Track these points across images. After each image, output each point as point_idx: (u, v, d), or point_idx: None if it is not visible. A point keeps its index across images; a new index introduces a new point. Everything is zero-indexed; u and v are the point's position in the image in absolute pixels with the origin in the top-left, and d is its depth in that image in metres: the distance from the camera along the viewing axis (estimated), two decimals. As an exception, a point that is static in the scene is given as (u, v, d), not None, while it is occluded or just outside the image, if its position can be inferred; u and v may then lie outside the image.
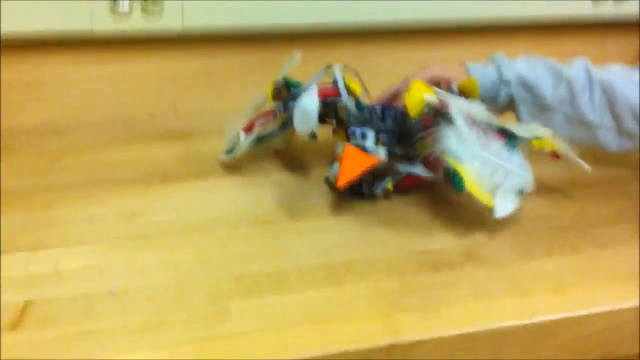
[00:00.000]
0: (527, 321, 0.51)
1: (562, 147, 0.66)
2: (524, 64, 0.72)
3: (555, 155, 0.67)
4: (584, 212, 0.66)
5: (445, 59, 0.93)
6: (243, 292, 0.52)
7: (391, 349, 0.48)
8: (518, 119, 0.72)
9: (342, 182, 0.60)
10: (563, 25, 0.98)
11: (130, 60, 0.82)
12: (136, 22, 0.78)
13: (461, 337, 0.50)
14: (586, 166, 0.67)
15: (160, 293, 0.52)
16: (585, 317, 0.52)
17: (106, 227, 0.60)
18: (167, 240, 0.59)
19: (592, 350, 0.54)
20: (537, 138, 0.65)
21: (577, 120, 0.70)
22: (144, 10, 0.78)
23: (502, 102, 0.72)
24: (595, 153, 0.68)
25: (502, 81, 0.71)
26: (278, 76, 0.73)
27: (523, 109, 0.71)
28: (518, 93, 0.71)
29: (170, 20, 0.80)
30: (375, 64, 0.92)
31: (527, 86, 0.71)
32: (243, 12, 0.82)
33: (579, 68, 0.70)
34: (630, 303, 0.53)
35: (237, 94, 0.86)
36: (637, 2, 0.97)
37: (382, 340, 0.48)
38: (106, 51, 0.81)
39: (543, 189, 0.66)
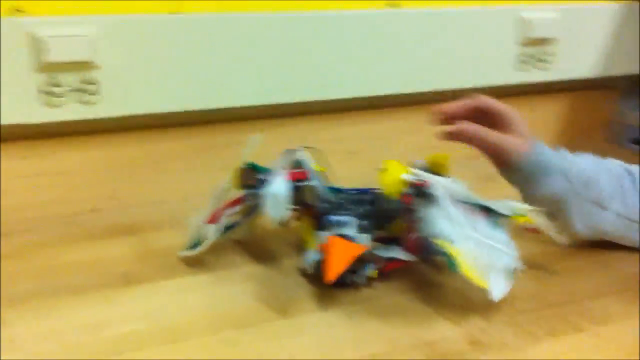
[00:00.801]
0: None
1: (540, 221, 0.65)
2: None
3: (534, 230, 0.66)
4: (572, 286, 0.65)
5: (384, 133, 0.93)
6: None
7: None
8: (565, 215, 0.69)
9: (332, 276, 0.56)
10: (492, 94, 1.00)
11: (67, 151, 0.75)
12: (72, 112, 0.72)
13: None
14: (563, 239, 0.66)
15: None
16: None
17: (70, 343, 0.53)
18: (145, 354, 0.52)
19: None
20: (518, 214, 0.64)
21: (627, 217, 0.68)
22: (80, 101, 0.72)
23: (544, 192, 0.68)
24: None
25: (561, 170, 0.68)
26: (224, 160, 0.69)
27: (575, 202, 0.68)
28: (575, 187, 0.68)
29: (107, 108, 0.74)
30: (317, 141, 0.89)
31: (586, 182, 0.68)
32: (184, 97, 0.78)
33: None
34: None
35: (183, 180, 0.81)
36: (563, 67, 1.01)
37: None
38: (41, 144, 0.74)
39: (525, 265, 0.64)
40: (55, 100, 0.71)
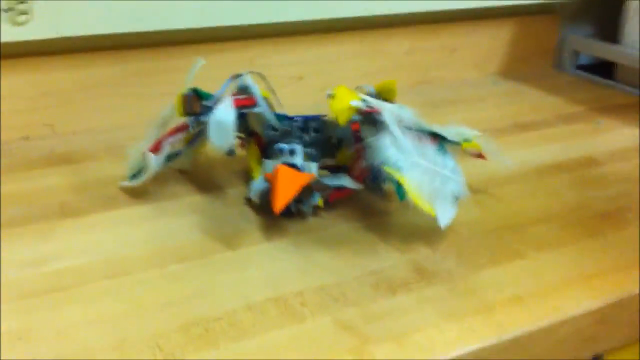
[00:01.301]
0: (499, 339, 0.49)
1: (487, 146, 0.65)
2: None
3: (480, 155, 0.66)
4: (512, 211, 0.65)
5: (331, 57, 0.91)
6: (195, 343, 0.45)
7: (376, 389, 0.44)
8: None
9: (280, 205, 0.55)
10: (436, 19, 0.99)
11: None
12: (2, 34, 0.67)
13: (444, 365, 0.46)
14: (510, 162, 0.67)
15: (100, 359, 0.44)
16: (550, 328, 0.51)
17: (12, 281, 0.51)
18: (89, 289, 0.50)
19: (557, 357, 0.53)
20: (467, 140, 0.63)
21: None
22: (11, 20, 0.67)
23: None
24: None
25: None
26: (165, 86, 0.66)
27: None
28: None
29: (40, 30, 0.69)
30: (263, 67, 0.86)
31: None
32: (123, 18, 0.74)
33: None
34: (587, 308, 0.52)
35: (122, 107, 0.77)
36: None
37: (366, 382, 0.44)
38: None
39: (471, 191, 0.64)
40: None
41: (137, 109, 0.78)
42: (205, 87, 0.64)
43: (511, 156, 0.70)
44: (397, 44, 0.96)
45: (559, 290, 0.54)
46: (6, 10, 0.67)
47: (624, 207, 0.67)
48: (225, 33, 0.83)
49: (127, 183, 0.64)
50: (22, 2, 0.68)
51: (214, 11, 0.80)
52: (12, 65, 0.71)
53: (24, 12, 0.68)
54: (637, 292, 0.55)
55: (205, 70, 0.64)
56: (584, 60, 1.15)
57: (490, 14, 1.03)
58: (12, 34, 0.69)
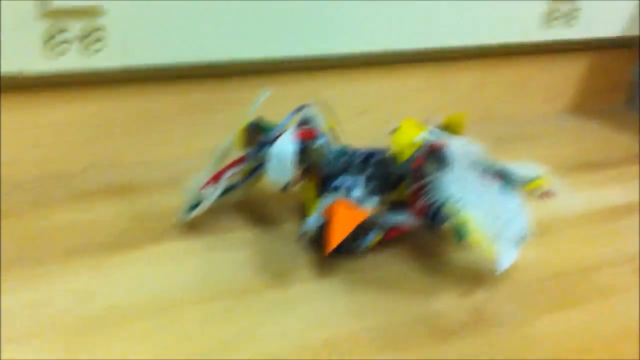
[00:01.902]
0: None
1: (555, 185, 0.62)
2: None
3: (546, 195, 0.63)
4: (577, 255, 0.62)
5: (397, 90, 0.90)
6: (241, 384, 0.45)
7: None
8: None
9: (335, 243, 0.53)
10: (512, 52, 0.96)
11: (60, 104, 0.72)
12: (71, 61, 0.69)
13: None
14: (578, 202, 0.64)
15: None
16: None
17: (58, 313, 0.50)
18: (136, 326, 0.50)
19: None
20: (533, 179, 0.60)
21: None
22: (86, 49, 0.68)
23: None
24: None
25: None
26: (227, 118, 0.66)
27: None
28: None
29: (110, 58, 0.71)
30: (326, 98, 0.86)
31: None
32: (184, 49, 0.75)
33: None
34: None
35: (182, 138, 0.78)
36: (588, 24, 0.97)
37: None
38: (35, 95, 0.70)
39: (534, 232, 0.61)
40: (58, 48, 0.68)
41: (198, 141, 0.78)
42: (269, 120, 0.63)
43: (578, 196, 0.68)
44: (465, 78, 0.94)
45: (628, 339, 0.51)
46: (81, 38, 0.68)
47: (699, 254, 0.63)
48: (289, 64, 0.83)
49: (183, 216, 0.63)
50: (97, 30, 0.69)
51: (279, 42, 0.80)
52: (78, 94, 0.73)
53: (98, 40, 0.69)
54: None
55: (268, 104, 0.63)
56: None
57: (562, 49, 1.00)
58: (82, 62, 0.70)
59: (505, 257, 0.56)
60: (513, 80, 0.98)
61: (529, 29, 0.95)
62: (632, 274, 0.59)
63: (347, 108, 0.88)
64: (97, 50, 0.70)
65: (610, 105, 1.07)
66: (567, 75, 1.02)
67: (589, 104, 1.05)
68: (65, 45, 0.68)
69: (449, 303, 0.54)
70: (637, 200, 0.74)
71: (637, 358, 0.49)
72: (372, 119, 0.89)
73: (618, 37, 1.02)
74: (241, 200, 0.68)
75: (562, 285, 0.58)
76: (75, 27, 0.68)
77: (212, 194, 0.62)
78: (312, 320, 0.51)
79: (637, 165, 0.83)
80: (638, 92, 1.08)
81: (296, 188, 0.65)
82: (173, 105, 0.78)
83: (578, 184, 0.77)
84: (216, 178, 0.63)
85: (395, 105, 0.91)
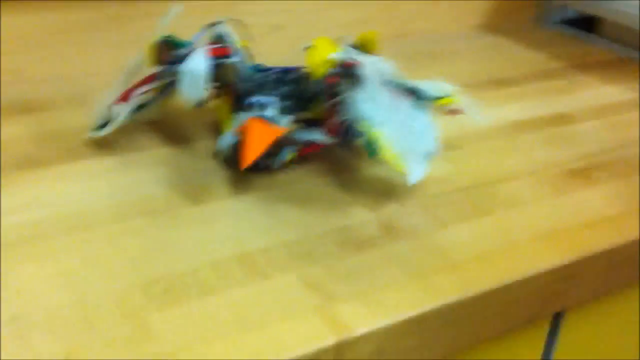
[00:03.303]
0: (463, 296, 0.49)
1: (464, 102, 0.64)
2: None
3: (456, 111, 0.65)
4: (483, 169, 0.65)
5: (309, 6, 0.89)
6: (158, 301, 0.45)
7: (339, 347, 0.44)
8: None
9: (250, 160, 0.54)
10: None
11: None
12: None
13: (407, 322, 0.46)
14: (484, 119, 0.66)
15: (61, 317, 0.43)
16: (513, 284, 0.51)
17: (-34, 233, 0.50)
18: (48, 244, 0.49)
19: (519, 315, 0.53)
20: (443, 96, 0.62)
21: None
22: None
23: None
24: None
25: None
26: (137, 33, 0.64)
27: None
28: None
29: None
30: (240, 14, 0.84)
31: None
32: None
33: None
34: (551, 264, 0.53)
35: (91, 54, 0.75)
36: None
37: (328, 339, 0.43)
38: None
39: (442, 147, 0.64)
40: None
41: (106, 57, 0.76)
42: (181, 36, 0.62)
43: (485, 112, 0.70)
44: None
45: (525, 248, 0.54)
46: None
47: (594, 165, 0.67)
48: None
49: (93, 134, 0.62)
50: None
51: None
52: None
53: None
54: (601, 249, 0.55)
55: (179, 19, 0.62)
56: (568, 14, 1.13)
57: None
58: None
59: (416, 171, 0.57)
60: (426, -4, 0.99)
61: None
62: (535, 185, 0.63)
63: (261, 25, 0.87)
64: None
65: (521, 23, 1.09)
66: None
67: (500, 22, 1.07)
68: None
69: (361, 216, 0.56)
70: (540, 115, 0.77)
71: (535, 268, 0.53)
72: (285, 36, 0.89)
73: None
74: (155, 117, 0.67)
75: (470, 197, 0.60)
76: None
77: (123, 111, 0.61)
78: (227, 236, 0.52)
79: (543, 82, 0.87)
80: (546, 10, 1.11)
81: (211, 105, 0.65)
82: (81, 20, 0.75)
83: (485, 100, 0.80)
84: (126, 95, 0.61)
85: (310, 22, 0.90)
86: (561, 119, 0.76)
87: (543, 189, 0.62)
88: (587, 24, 1.07)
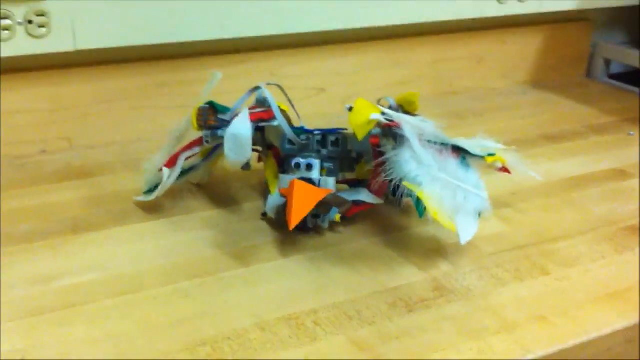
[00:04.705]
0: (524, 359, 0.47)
1: (511, 159, 0.63)
2: None
3: (505, 169, 0.64)
4: (537, 227, 0.63)
5: (354, 67, 0.90)
6: (204, 364, 0.44)
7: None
8: None
9: (295, 221, 0.53)
10: (467, 28, 0.97)
11: (14, 89, 0.70)
12: (21, 47, 0.67)
13: (462, 388, 0.44)
14: (537, 175, 0.65)
15: (104, 378, 0.43)
16: (576, 347, 0.49)
17: (18, 299, 0.50)
18: (96, 306, 0.49)
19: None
20: (491, 155, 0.61)
21: None
22: (29, 34, 0.67)
23: None
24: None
25: None
26: (181, 99, 0.65)
27: None
28: None
29: (59, 42, 0.69)
30: (283, 78, 0.85)
31: None
32: (137, 31, 0.73)
33: None
34: (615, 326, 0.50)
35: (137, 121, 0.77)
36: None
37: (379, 406, 0.42)
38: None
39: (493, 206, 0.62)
40: (2, 34, 0.67)
41: (155, 123, 0.77)
42: (223, 101, 0.63)
43: (537, 169, 0.68)
44: (422, 54, 0.94)
45: (586, 309, 0.51)
46: (24, 23, 0.67)
47: (655, 221, 0.65)
48: (244, 44, 0.82)
49: (141, 198, 0.63)
50: (41, 15, 0.67)
51: (233, 23, 0.79)
52: (30, 78, 0.71)
53: (42, 25, 0.68)
54: (668, 311, 0.52)
55: (224, 83, 0.63)
56: (617, 68, 1.12)
57: (520, 23, 1.01)
58: (30, 46, 0.68)
59: (467, 230, 0.56)
60: (470, 55, 0.99)
61: (484, 4, 0.95)
62: (593, 243, 0.60)
63: (304, 87, 0.87)
64: (42, 36, 0.69)
65: (570, 78, 1.08)
66: (525, 50, 1.03)
67: (549, 78, 1.06)
68: (8, 31, 0.67)
69: (410, 276, 0.54)
70: (595, 171, 0.75)
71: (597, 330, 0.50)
72: (328, 97, 0.89)
73: (572, 10, 1.02)
74: (202, 181, 0.67)
75: (525, 256, 0.58)
76: (18, 12, 0.67)
77: (171, 175, 0.61)
78: (275, 297, 0.51)
79: (594, 137, 0.85)
80: (596, 65, 1.09)
81: (258, 167, 0.65)
82: (126, 87, 0.76)
83: (537, 156, 0.78)
84: (174, 160, 0.62)
85: (352, 84, 0.91)
86: (618, 175, 0.74)
87: (602, 247, 0.60)
88: (637, 79, 1.06)
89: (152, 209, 0.62)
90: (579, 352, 0.49)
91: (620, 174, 0.74)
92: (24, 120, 0.72)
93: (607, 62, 1.09)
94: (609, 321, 0.50)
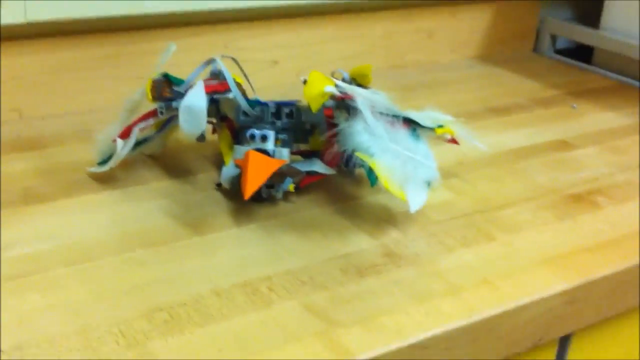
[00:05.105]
0: (467, 321, 0.48)
1: (460, 131, 0.65)
2: None
3: (453, 141, 0.66)
4: (483, 195, 0.65)
5: (306, 41, 0.91)
6: (161, 329, 0.45)
7: (341, 373, 0.43)
8: None
9: (251, 191, 0.54)
10: (419, 3, 0.98)
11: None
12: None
13: (410, 347, 0.46)
14: (484, 146, 0.67)
15: (63, 345, 0.43)
16: (518, 309, 0.51)
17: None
18: (50, 275, 0.49)
19: (525, 339, 0.53)
20: (440, 126, 0.63)
21: None
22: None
23: None
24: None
25: None
26: (135, 71, 0.65)
27: None
28: None
29: (10, 14, 0.68)
30: (237, 50, 0.85)
31: None
32: (90, 2, 0.73)
33: None
34: (555, 289, 0.52)
35: (90, 92, 0.76)
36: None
37: (331, 365, 0.43)
38: None
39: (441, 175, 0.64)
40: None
41: (107, 94, 0.77)
42: (177, 73, 0.63)
43: (484, 140, 0.70)
44: (373, 28, 0.96)
45: (528, 272, 0.54)
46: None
47: (594, 190, 0.67)
48: (199, 17, 0.82)
49: (94, 169, 0.63)
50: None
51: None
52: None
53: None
54: (606, 273, 0.55)
55: (178, 55, 0.63)
56: (563, 44, 1.15)
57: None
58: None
59: (416, 199, 0.58)
60: (420, 29, 1.00)
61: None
62: (536, 210, 0.63)
63: (257, 60, 0.88)
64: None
65: (517, 53, 1.11)
66: (473, 24, 1.05)
67: (497, 52, 1.09)
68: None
69: (363, 244, 0.56)
70: (540, 142, 0.77)
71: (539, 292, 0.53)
72: (282, 70, 0.90)
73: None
74: (156, 152, 0.68)
75: (472, 223, 0.60)
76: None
77: (125, 146, 0.61)
78: (230, 265, 0.52)
79: (539, 109, 0.87)
80: (542, 40, 1.12)
81: (212, 138, 0.66)
82: (79, 59, 0.76)
83: (484, 129, 0.80)
84: (127, 131, 0.62)
85: (305, 57, 0.91)
86: (560, 145, 0.77)
87: (545, 214, 0.62)
88: (582, 54, 1.09)
89: (105, 180, 0.62)
90: (521, 313, 0.51)
91: (563, 144, 0.77)
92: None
93: (554, 38, 1.12)
94: (550, 284, 0.53)
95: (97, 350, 0.43)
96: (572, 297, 0.54)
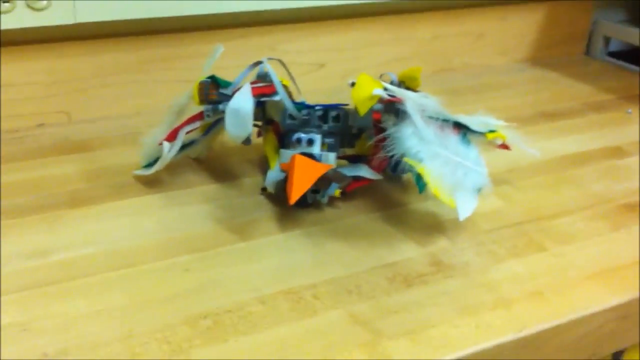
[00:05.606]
0: (518, 335, 0.47)
1: (512, 136, 0.63)
2: None
3: (504, 146, 0.64)
4: (534, 204, 0.63)
5: (353, 43, 0.90)
6: (204, 336, 0.44)
7: (388, 387, 0.42)
8: None
9: (296, 196, 0.53)
10: (467, 4, 0.96)
11: (12, 63, 0.70)
12: (21, 20, 0.67)
13: (458, 362, 0.45)
14: (536, 152, 0.65)
15: (106, 351, 0.43)
16: (571, 323, 0.49)
17: (16, 272, 0.50)
18: (95, 280, 0.49)
19: (577, 355, 0.51)
20: (492, 131, 0.61)
21: None
22: (30, 6, 0.66)
23: None
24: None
25: None
26: (182, 73, 0.65)
27: None
28: None
29: (59, 15, 0.69)
30: (283, 53, 0.85)
31: None
32: (138, 4, 0.73)
33: None
34: (609, 303, 0.51)
35: (136, 95, 0.77)
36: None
37: (377, 378, 0.42)
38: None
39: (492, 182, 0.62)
40: (3, 6, 0.66)
41: (153, 97, 0.77)
42: (224, 75, 0.62)
43: (536, 146, 0.68)
44: (421, 30, 0.94)
45: (581, 285, 0.52)
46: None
47: (652, 199, 0.65)
48: (245, 19, 0.82)
49: (140, 172, 0.63)
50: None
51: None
52: (29, 51, 0.71)
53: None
54: (663, 288, 0.53)
55: (225, 58, 0.62)
56: (616, 46, 1.12)
57: (518, 0, 1.00)
58: (30, 19, 0.68)
59: (466, 206, 0.56)
60: (470, 31, 0.98)
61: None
62: (590, 220, 0.61)
63: (304, 63, 0.87)
64: (43, 8, 0.68)
65: (569, 56, 1.08)
66: (524, 27, 1.03)
67: (548, 55, 1.06)
68: (7, 3, 0.66)
69: (408, 252, 0.55)
70: (593, 148, 0.75)
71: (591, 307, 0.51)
72: (329, 73, 0.89)
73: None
74: (202, 156, 0.68)
75: (520, 233, 0.59)
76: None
77: (171, 149, 0.61)
78: (274, 272, 0.51)
79: (592, 114, 0.85)
80: (595, 43, 1.09)
81: (257, 142, 0.65)
82: (126, 61, 0.76)
83: (536, 134, 0.78)
84: (173, 134, 0.62)
85: (352, 60, 0.90)
86: (615, 152, 0.74)
87: (598, 225, 0.60)
88: (636, 57, 1.06)
89: (151, 183, 0.62)
90: (573, 328, 0.49)
91: (618, 151, 0.75)
92: (22, 93, 0.71)
93: (607, 40, 1.09)
94: (604, 298, 0.51)
95: (140, 356, 0.42)
96: (625, 312, 0.51)
